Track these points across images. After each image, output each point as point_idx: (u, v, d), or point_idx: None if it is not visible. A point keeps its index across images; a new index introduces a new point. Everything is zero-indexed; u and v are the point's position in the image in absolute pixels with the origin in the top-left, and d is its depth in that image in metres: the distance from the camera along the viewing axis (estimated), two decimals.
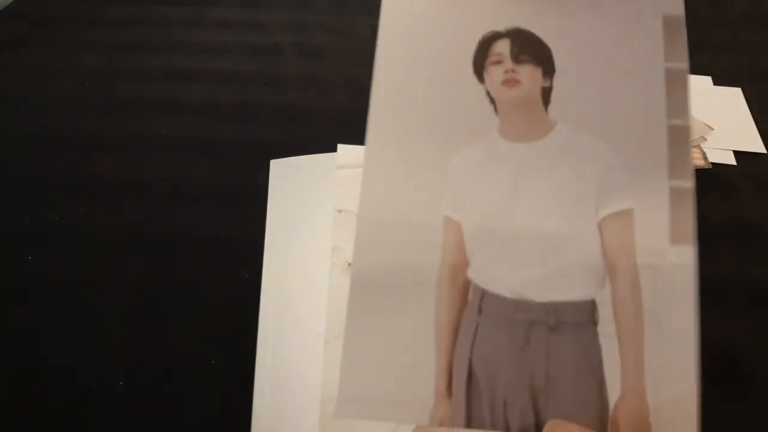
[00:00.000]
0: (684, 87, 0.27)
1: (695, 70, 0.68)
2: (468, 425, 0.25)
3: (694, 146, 0.59)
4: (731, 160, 0.58)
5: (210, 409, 0.40)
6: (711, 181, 0.56)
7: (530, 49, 0.27)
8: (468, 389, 0.25)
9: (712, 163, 0.57)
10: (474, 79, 0.27)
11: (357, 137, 0.57)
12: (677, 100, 0.27)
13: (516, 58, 0.27)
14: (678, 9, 0.28)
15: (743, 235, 0.51)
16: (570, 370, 0.25)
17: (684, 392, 0.25)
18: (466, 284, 0.26)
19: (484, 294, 0.26)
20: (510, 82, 0.27)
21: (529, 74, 0.27)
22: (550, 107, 0.27)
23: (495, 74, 0.27)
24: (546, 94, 0.27)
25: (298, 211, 0.52)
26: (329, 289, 0.46)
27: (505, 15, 0.28)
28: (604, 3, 0.28)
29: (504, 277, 0.26)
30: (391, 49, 0.28)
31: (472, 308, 0.26)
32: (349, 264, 0.48)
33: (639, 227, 0.26)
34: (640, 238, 0.26)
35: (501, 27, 0.28)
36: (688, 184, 0.26)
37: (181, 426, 0.40)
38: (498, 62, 0.27)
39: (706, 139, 0.60)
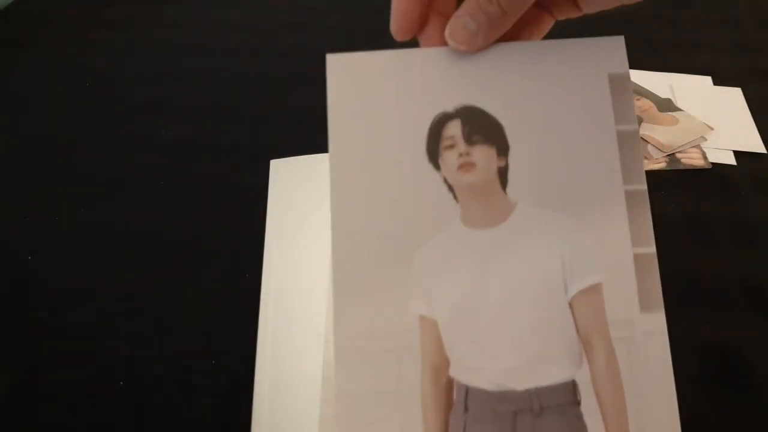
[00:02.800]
0: (637, 148, 0.27)
1: (695, 70, 0.69)
2: None
3: (694, 146, 0.59)
4: (731, 160, 0.58)
5: (210, 409, 0.40)
6: (711, 181, 0.56)
7: (482, 128, 0.27)
8: None
9: (712, 163, 0.57)
10: (430, 168, 0.27)
11: None
12: (632, 163, 0.27)
13: (468, 139, 0.27)
14: (622, 68, 0.27)
15: (743, 235, 0.51)
16: None
17: None
18: (450, 383, 0.26)
19: (467, 390, 0.26)
20: (465, 167, 0.27)
21: (484, 155, 0.27)
22: (509, 188, 0.27)
23: (449, 160, 0.27)
24: (503, 175, 0.27)
25: (298, 211, 0.52)
26: (329, 289, 0.46)
27: (452, 93, 0.27)
28: (550, 71, 0.27)
29: (485, 370, 0.26)
30: (343, 146, 0.28)
31: (457, 407, 0.26)
32: None
33: (609, 299, 0.26)
34: (610, 310, 0.26)
35: (450, 107, 0.27)
36: (651, 249, 0.26)
37: (181, 426, 0.40)
38: (451, 146, 0.27)
39: (706, 139, 0.60)
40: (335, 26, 0.76)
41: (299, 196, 0.53)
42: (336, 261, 0.27)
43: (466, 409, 0.26)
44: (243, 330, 0.44)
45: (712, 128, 0.61)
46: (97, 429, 0.40)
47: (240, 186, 0.55)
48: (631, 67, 0.27)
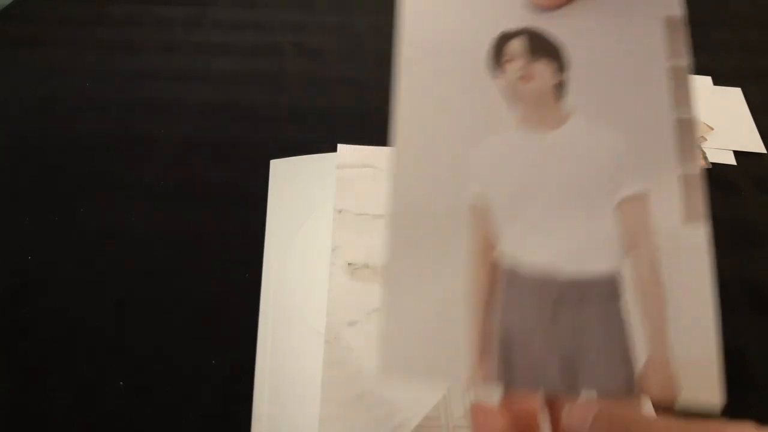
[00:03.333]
0: (686, 83, 0.29)
1: (695, 70, 0.68)
2: (503, 383, 0.26)
3: None
4: (731, 160, 0.58)
5: (210, 409, 0.40)
6: (711, 181, 0.56)
7: (543, 46, 0.30)
8: (502, 352, 0.27)
9: (712, 163, 0.57)
10: (490, 78, 0.30)
11: (357, 137, 0.57)
12: (681, 95, 0.29)
13: (530, 54, 0.29)
14: (677, 11, 0.30)
15: (743, 235, 0.51)
16: (597, 343, 0.26)
17: (707, 356, 0.26)
18: (495, 264, 0.27)
19: (512, 272, 0.27)
20: (525, 78, 0.29)
21: (543, 69, 0.29)
22: (564, 101, 0.29)
23: (510, 71, 0.29)
24: (559, 89, 0.29)
25: (298, 211, 0.52)
26: (329, 289, 0.46)
27: (517, 18, 0.30)
28: (609, 9, 0.30)
29: (530, 255, 0.27)
30: (411, 54, 0.30)
31: (501, 287, 0.27)
32: (349, 264, 0.48)
33: (654, 209, 0.27)
34: (655, 219, 0.27)
35: (514, 27, 0.30)
36: (696, 171, 0.28)
37: (181, 426, 0.40)
38: (512, 60, 0.29)
39: (706, 139, 0.60)
40: (336, 26, 0.76)
41: (299, 196, 0.53)
42: (398, 147, 0.29)
43: (509, 289, 0.27)
44: (243, 330, 0.44)
45: (712, 128, 0.61)
46: (97, 429, 0.40)
47: (240, 186, 0.55)
48: None
